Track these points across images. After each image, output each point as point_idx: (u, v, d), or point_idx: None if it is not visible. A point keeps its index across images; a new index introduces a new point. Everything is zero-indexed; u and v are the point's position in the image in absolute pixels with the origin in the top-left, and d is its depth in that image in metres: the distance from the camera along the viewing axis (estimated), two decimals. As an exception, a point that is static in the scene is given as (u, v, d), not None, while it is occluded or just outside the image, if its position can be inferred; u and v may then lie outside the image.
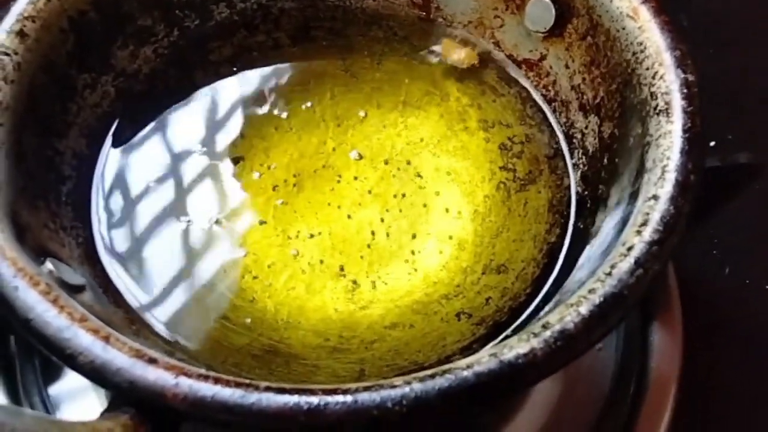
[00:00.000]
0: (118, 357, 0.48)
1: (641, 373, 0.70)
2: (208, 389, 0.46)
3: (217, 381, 0.46)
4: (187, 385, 0.46)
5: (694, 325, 0.74)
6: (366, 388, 0.46)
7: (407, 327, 0.63)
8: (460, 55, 0.76)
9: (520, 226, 0.68)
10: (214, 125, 0.74)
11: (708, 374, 0.84)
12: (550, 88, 0.74)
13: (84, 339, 0.48)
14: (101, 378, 0.48)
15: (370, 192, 0.70)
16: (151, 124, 0.73)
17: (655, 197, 0.54)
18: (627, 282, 0.50)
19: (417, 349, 0.62)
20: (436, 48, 0.78)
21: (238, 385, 0.46)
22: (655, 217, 0.53)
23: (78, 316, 0.50)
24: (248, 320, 0.64)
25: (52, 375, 0.75)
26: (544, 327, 0.48)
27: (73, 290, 0.57)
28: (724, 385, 0.86)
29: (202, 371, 0.47)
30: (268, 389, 0.46)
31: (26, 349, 0.76)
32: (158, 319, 0.63)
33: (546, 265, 0.65)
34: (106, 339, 0.49)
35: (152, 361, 0.47)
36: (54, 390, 0.75)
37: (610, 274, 0.50)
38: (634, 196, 0.56)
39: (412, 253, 0.67)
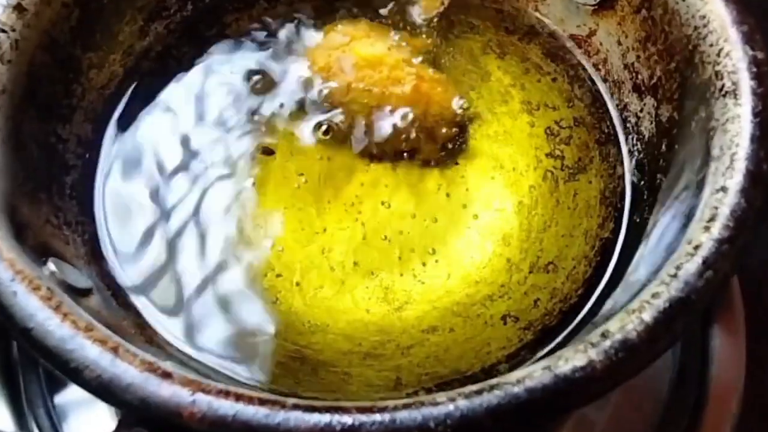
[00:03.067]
0: (128, 371, 0.46)
1: (701, 382, 0.68)
2: (229, 407, 0.44)
3: (239, 398, 0.44)
4: (206, 402, 0.44)
5: (758, 328, 0.72)
6: (406, 406, 0.44)
7: (447, 331, 0.61)
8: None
9: (570, 219, 0.65)
10: (233, 107, 0.71)
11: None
12: (600, 67, 0.72)
13: (90, 351, 0.47)
14: (110, 394, 0.46)
15: (405, 182, 0.67)
16: (163, 107, 0.71)
17: (724, 189, 0.51)
18: (695, 285, 0.48)
19: (458, 356, 0.60)
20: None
21: (262, 402, 0.44)
22: (725, 211, 0.50)
23: (83, 325, 0.48)
24: (271, 323, 0.62)
25: (57, 384, 0.73)
26: (604, 336, 0.46)
27: (79, 294, 0.55)
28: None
29: (222, 386, 0.45)
30: (296, 407, 0.44)
31: (30, 357, 0.74)
32: (172, 323, 0.61)
33: (599, 264, 0.63)
34: (115, 350, 0.47)
35: (166, 375, 0.46)
36: (60, 400, 0.72)
37: (675, 276, 0.48)
38: (699, 187, 0.54)
39: (452, 248, 0.65)
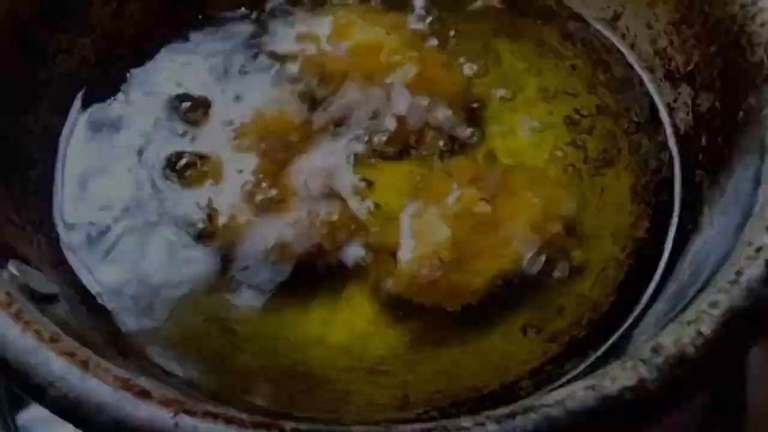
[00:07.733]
0: (99, 389, 0.42)
1: (738, 407, 0.65)
2: (218, 432, 0.41)
3: (229, 421, 0.41)
4: (191, 426, 0.41)
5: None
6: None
7: (460, 343, 0.57)
8: None
9: (597, 218, 0.62)
10: (214, 94, 0.67)
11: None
12: (626, 52, 0.69)
13: (56, 365, 0.43)
14: (78, 416, 0.42)
15: (410, 178, 0.64)
16: (138, 95, 0.67)
17: (787, 182, 0.48)
18: (760, 292, 0.44)
19: (473, 371, 0.56)
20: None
21: (257, 426, 0.41)
22: (790, 208, 0.47)
23: (48, 336, 0.44)
24: (261, 335, 0.58)
25: (20, 400, 0.69)
26: (655, 351, 0.43)
27: (43, 300, 0.51)
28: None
29: (210, 407, 0.42)
30: (296, 432, 0.40)
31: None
32: (148, 334, 0.57)
33: (632, 268, 0.60)
34: (85, 365, 0.43)
35: (144, 394, 0.42)
36: (24, 419, 0.69)
37: (736, 282, 0.45)
38: (755, 182, 0.50)
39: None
